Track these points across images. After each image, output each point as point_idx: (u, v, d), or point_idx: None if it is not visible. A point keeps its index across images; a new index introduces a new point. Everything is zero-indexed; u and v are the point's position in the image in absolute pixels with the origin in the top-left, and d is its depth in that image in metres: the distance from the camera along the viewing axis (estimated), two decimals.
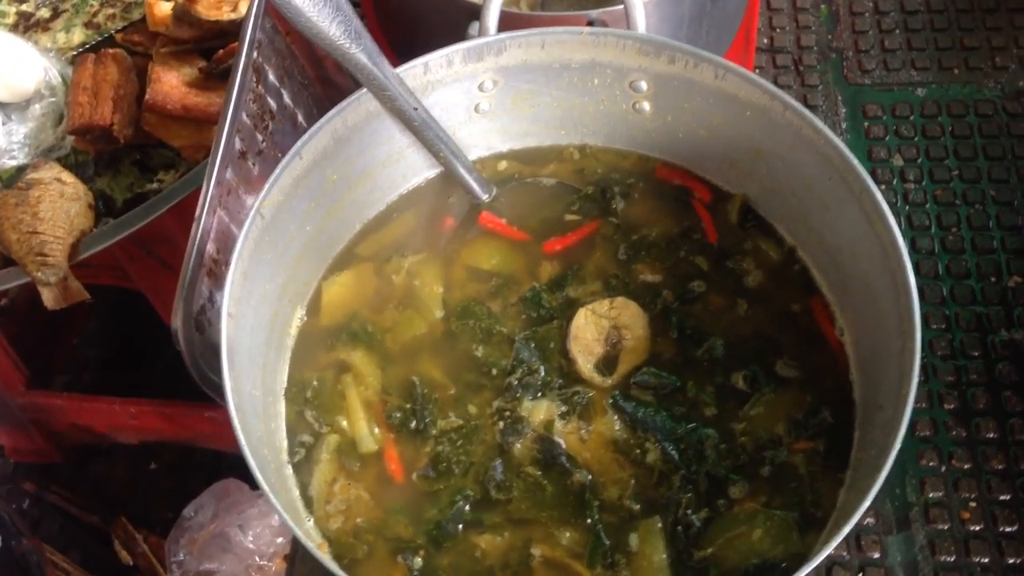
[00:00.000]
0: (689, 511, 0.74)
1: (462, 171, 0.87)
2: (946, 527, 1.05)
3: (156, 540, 1.59)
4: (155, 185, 1.05)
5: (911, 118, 1.34)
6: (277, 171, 0.75)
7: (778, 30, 1.48)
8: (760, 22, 1.40)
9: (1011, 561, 1.03)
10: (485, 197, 0.89)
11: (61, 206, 0.99)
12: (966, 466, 1.09)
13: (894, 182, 1.29)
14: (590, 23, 0.92)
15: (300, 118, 1.03)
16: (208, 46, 1.07)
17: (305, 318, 0.84)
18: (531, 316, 0.84)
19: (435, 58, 0.82)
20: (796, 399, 0.78)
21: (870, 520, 1.07)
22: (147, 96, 1.02)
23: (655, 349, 0.81)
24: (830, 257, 0.81)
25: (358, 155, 0.83)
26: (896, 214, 1.26)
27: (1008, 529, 1.05)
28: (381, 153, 0.85)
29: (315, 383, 0.81)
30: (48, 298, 0.95)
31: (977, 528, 1.05)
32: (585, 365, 0.81)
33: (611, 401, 0.79)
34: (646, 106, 0.86)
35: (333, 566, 0.62)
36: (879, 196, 0.71)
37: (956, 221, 1.25)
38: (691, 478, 0.75)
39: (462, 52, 0.82)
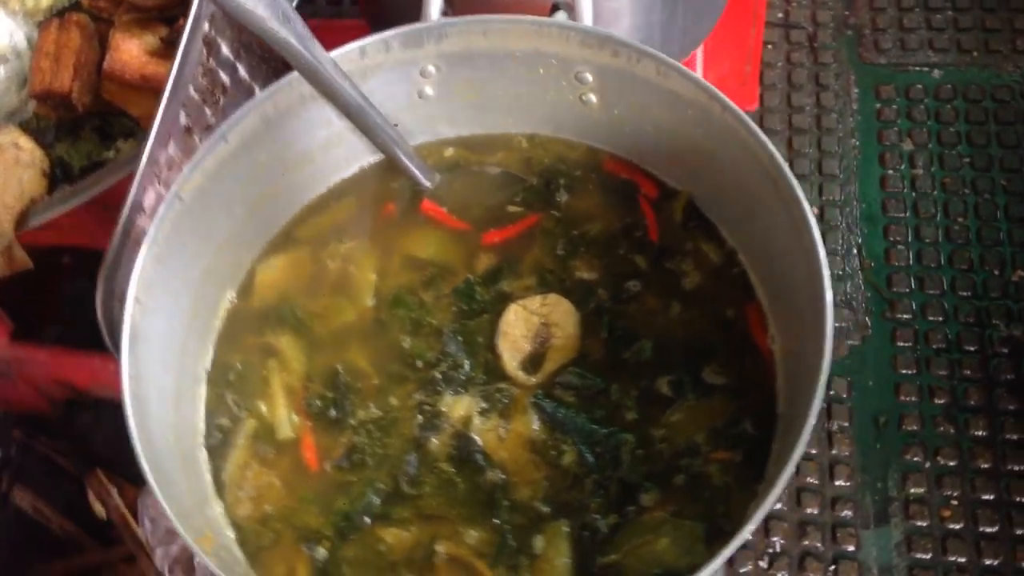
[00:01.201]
0: (597, 516, 0.73)
1: (403, 158, 0.85)
2: (925, 524, 1.03)
3: (134, 494, 1.61)
4: (112, 153, 1.05)
5: (925, 101, 1.30)
6: (199, 154, 0.74)
7: (794, 3, 1.44)
8: None
9: (988, 562, 1.01)
10: (428, 184, 0.87)
11: (14, 173, 0.99)
12: (951, 463, 1.06)
13: (902, 167, 1.25)
14: (555, 7, 0.89)
15: (257, 91, 1.02)
16: (172, 14, 1.06)
17: (235, 300, 0.84)
18: (462, 309, 0.82)
19: (371, 43, 0.80)
20: (720, 408, 0.76)
21: (847, 512, 1.05)
22: (105, 64, 1.02)
23: (584, 349, 0.80)
24: (767, 263, 0.79)
25: (293, 138, 0.82)
26: (901, 200, 1.23)
27: (988, 529, 1.03)
28: (319, 136, 0.84)
29: (239, 366, 0.81)
30: None
31: (957, 527, 1.03)
32: (511, 362, 0.79)
33: (533, 400, 0.78)
34: (593, 98, 0.84)
35: (210, 564, 0.61)
36: (807, 208, 0.69)
37: (963, 210, 1.21)
38: (603, 483, 0.74)
39: (400, 37, 0.80)
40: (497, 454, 0.76)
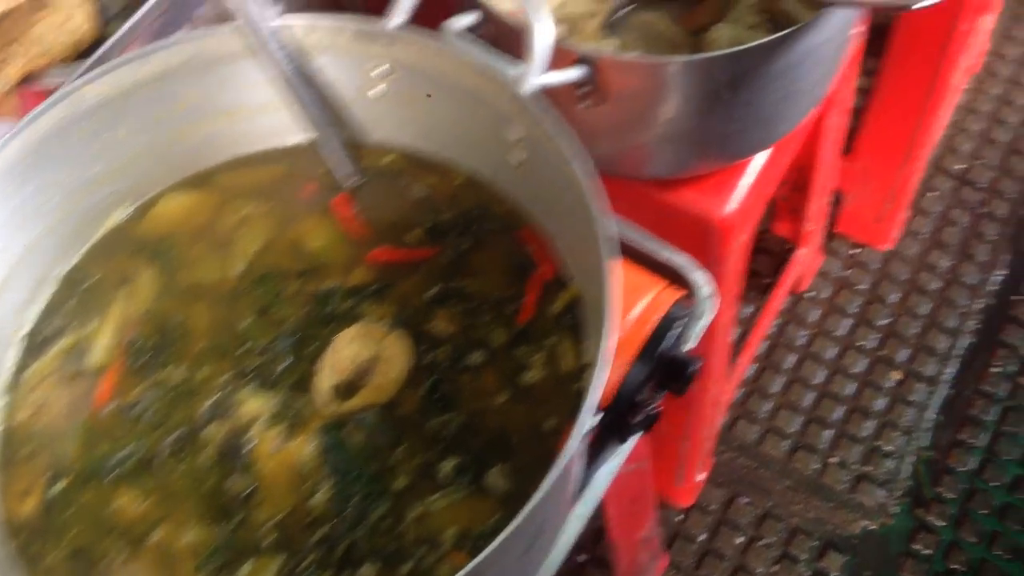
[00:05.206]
0: (311, 568, 0.69)
1: (326, 145, 0.84)
2: None
3: None
4: None
5: None
6: (108, 65, 0.74)
7: (980, 162, 1.29)
8: None
9: None
10: (349, 181, 0.85)
11: (57, 36, 1.03)
12: None
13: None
14: None
15: None
16: None
17: (129, 216, 0.85)
18: (313, 313, 0.80)
19: (324, 24, 0.79)
20: (485, 513, 0.71)
21: None
22: None
23: (397, 398, 0.76)
24: None
25: (229, 88, 0.82)
26: (989, 407, 1.02)
27: None
28: (258, 96, 0.83)
29: (97, 278, 0.82)
30: None
31: None
32: (325, 380, 0.77)
33: (322, 427, 0.75)
34: (518, 159, 0.79)
35: None
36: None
37: None
38: (334, 540, 0.70)
39: (352, 31, 0.78)
40: (261, 463, 0.74)
